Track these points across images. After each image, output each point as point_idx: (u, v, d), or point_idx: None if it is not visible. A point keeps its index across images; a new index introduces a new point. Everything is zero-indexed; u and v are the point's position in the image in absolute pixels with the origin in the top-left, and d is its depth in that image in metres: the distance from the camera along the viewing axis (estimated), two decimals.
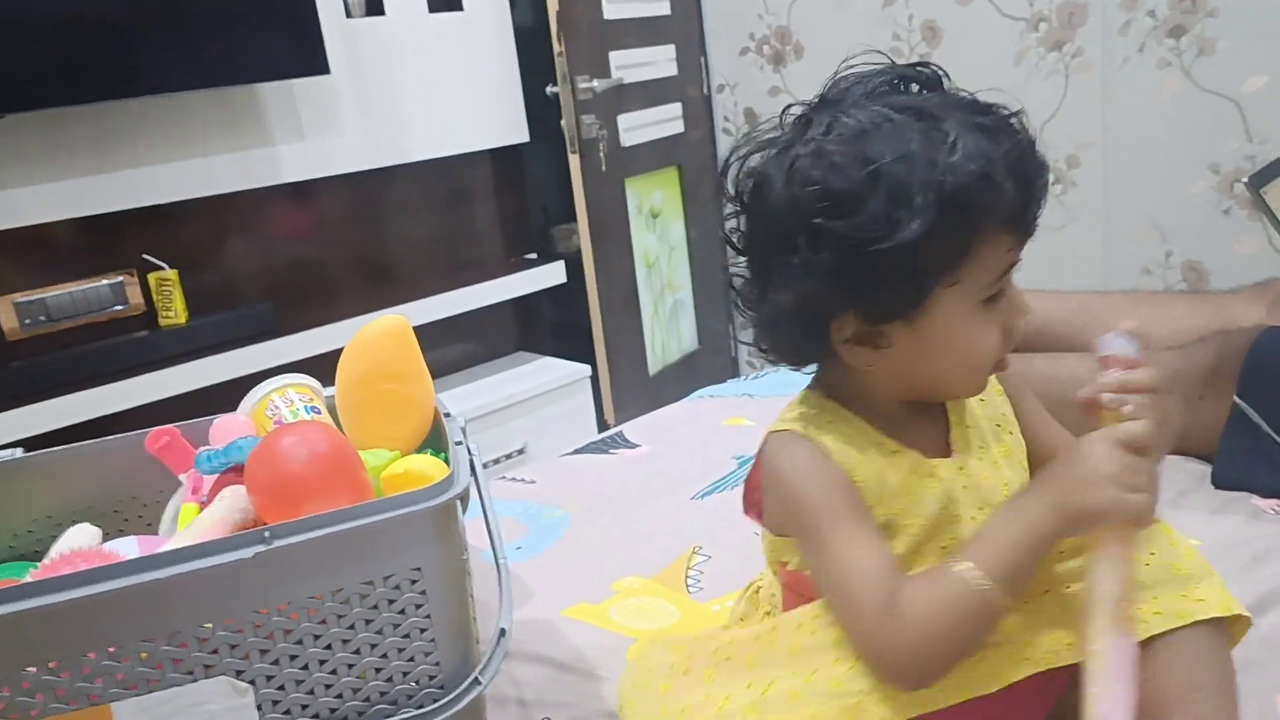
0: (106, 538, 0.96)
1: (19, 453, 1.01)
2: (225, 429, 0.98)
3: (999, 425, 0.79)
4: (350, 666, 0.77)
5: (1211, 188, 1.93)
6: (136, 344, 1.99)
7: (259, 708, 0.74)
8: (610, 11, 2.39)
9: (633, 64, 2.47)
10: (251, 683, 0.74)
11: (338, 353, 1.00)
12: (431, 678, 0.80)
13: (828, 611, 0.72)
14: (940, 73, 0.71)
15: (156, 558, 0.71)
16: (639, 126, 2.51)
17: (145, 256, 2.02)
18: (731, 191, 0.73)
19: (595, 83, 2.30)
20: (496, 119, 2.49)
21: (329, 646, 0.76)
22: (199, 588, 0.71)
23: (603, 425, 2.46)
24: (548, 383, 2.45)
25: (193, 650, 0.72)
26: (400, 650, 0.78)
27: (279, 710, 0.75)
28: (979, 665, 0.69)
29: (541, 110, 2.47)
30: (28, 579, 0.81)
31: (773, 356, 0.76)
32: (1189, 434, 1.25)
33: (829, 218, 0.65)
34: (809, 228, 0.66)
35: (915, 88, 0.71)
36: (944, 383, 0.73)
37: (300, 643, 0.75)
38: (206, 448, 0.93)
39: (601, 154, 2.35)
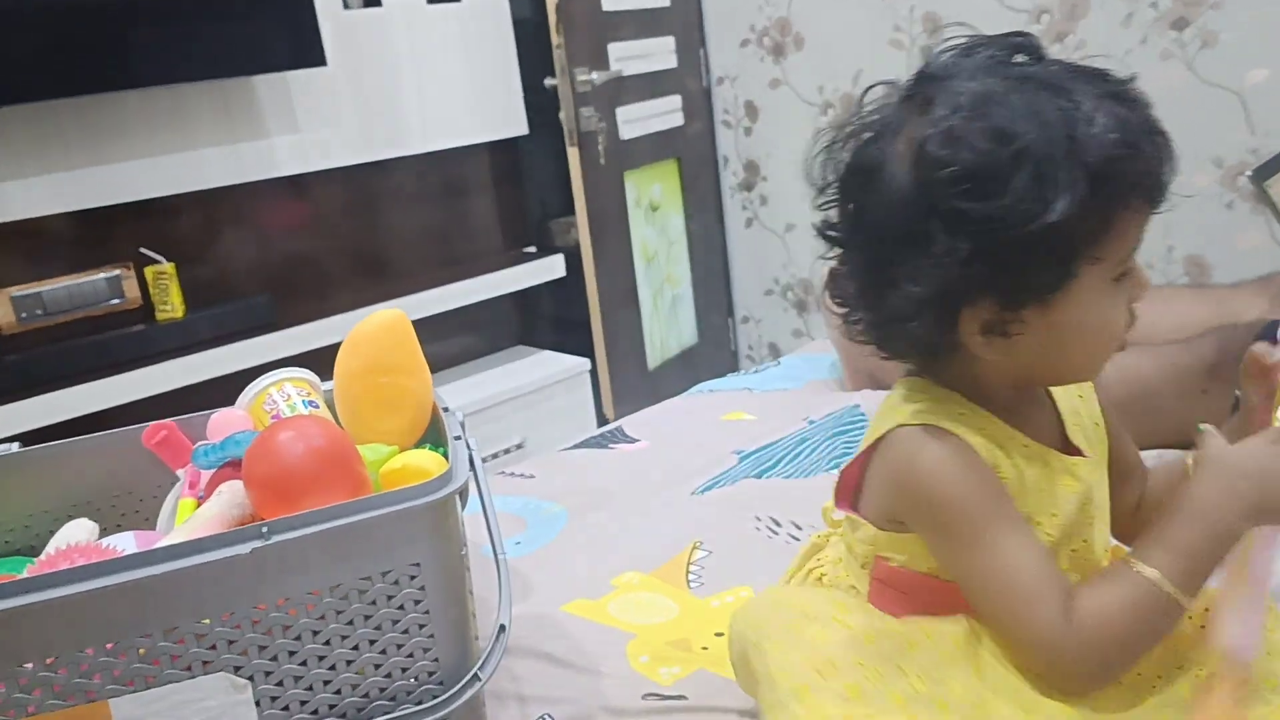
0: (103, 533, 0.95)
1: (15, 447, 1.01)
2: (223, 423, 0.98)
3: (1097, 425, 0.77)
4: (349, 662, 0.77)
5: (1214, 181, 1.92)
6: (133, 338, 1.98)
7: (257, 704, 0.74)
8: (609, 3, 2.38)
9: (632, 56, 2.46)
10: (250, 679, 0.74)
11: (336, 347, 1.00)
12: (431, 673, 0.80)
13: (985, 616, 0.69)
14: (1037, 40, 0.68)
15: (154, 553, 0.71)
16: (638, 119, 2.50)
17: (142, 250, 2.01)
18: (823, 182, 0.69)
19: (594, 75, 2.29)
20: (495, 111, 2.48)
21: (328, 642, 0.76)
22: (197, 583, 0.71)
23: (602, 420, 2.45)
24: (546, 377, 2.44)
25: (190, 646, 0.72)
26: (399, 646, 0.78)
27: (277, 706, 0.75)
28: None
29: (540, 102, 2.45)
30: (25, 574, 0.81)
31: (889, 354, 0.72)
32: (1191, 427, 1.25)
33: (969, 200, 0.61)
34: (944, 213, 0.62)
35: (1021, 58, 0.66)
36: (1069, 366, 0.70)
37: (299, 638, 0.75)
38: (204, 442, 0.93)
39: (600, 147, 2.34)
